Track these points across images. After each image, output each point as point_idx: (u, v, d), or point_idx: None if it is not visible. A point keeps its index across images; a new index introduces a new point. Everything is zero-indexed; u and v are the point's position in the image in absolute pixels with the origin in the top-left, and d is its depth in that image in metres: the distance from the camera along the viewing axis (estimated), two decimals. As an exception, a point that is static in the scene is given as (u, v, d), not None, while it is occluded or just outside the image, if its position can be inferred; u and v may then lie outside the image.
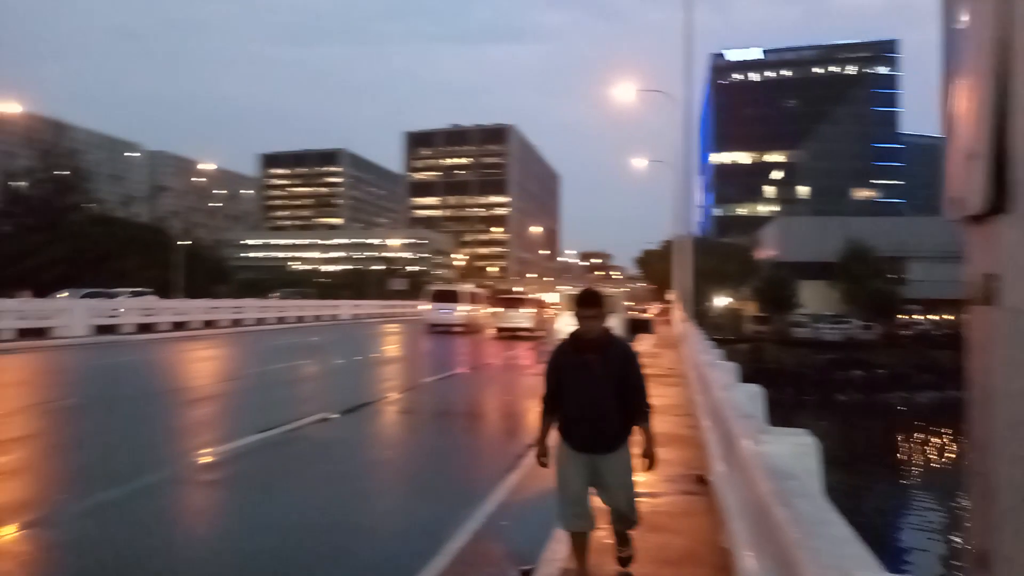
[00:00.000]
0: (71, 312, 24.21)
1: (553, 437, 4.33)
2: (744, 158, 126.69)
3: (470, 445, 10.00)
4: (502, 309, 31.77)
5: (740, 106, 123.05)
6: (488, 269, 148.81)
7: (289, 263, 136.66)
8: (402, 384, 15.47)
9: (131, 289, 34.07)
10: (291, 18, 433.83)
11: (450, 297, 33.64)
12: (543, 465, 4.37)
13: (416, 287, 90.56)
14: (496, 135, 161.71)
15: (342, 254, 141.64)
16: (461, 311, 32.92)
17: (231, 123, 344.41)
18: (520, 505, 6.53)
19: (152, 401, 12.29)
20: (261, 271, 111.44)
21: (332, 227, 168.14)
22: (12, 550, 5.20)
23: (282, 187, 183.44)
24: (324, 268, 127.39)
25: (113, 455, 8.25)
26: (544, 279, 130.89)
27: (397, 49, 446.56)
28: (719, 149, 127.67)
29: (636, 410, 4.21)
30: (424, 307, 34.47)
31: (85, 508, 6.12)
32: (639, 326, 23.90)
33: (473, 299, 35.16)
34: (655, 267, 69.36)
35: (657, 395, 12.01)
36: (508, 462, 8.20)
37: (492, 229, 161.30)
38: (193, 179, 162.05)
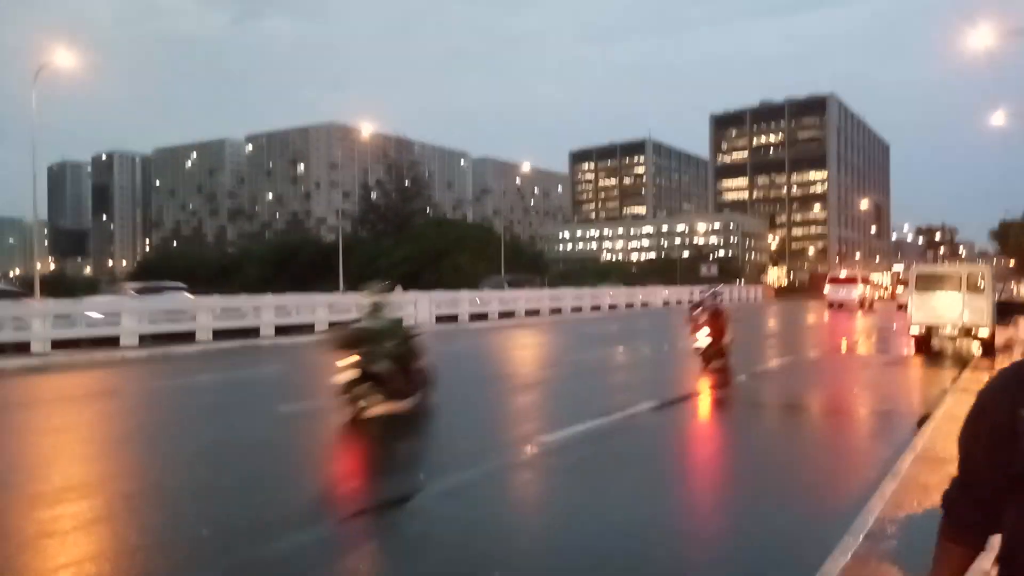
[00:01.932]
0: (417, 303, 27.00)
1: None
2: None
3: (828, 443, 8.81)
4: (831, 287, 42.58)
5: None
6: (808, 250, 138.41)
7: (599, 254, 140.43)
8: (740, 369, 14.49)
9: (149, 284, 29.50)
10: (597, 18, 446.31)
11: (847, 281, 43.26)
12: None
13: (727, 273, 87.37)
14: (812, 107, 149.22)
15: (648, 242, 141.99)
16: (857, 291, 41.85)
17: (545, 124, 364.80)
18: (907, 522, 5.37)
19: (490, 385, 12.91)
20: (573, 263, 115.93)
21: (638, 216, 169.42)
22: (372, 529, 5.47)
23: (590, 181, 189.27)
24: (632, 257, 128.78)
25: (462, 438, 8.63)
26: (874, 260, 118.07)
27: (703, 32, 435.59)
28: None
29: None
30: (825, 289, 44.34)
31: (444, 489, 6.33)
32: (1013, 308, 19.96)
33: (864, 281, 44.19)
34: (1017, 240, 58.44)
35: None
36: (879, 466, 6.98)
37: (810, 208, 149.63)
38: (513, 180, 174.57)
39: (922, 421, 9.03)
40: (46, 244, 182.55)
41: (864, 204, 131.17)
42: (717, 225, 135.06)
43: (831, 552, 4.73)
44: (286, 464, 7.39)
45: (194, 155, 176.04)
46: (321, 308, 24.36)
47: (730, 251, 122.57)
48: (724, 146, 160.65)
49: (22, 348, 16.76)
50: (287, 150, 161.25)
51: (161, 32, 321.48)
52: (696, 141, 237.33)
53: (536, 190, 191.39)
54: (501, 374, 14.70)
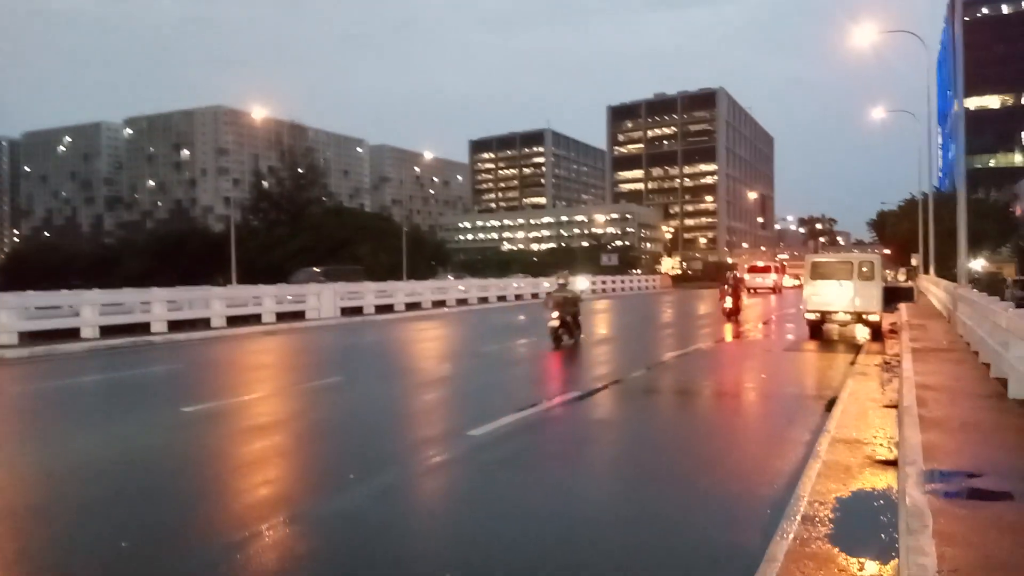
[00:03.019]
0: (321, 295, 26.18)
1: None
2: (994, 102, 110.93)
3: (745, 427, 9.07)
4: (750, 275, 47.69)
5: (990, 44, 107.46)
6: (699, 240, 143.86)
7: (500, 244, 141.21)
8: (651, 358, 14.75)
9: None
10: (497, 5, 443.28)
11: (763, 269, 50.70)
12: None
13: (626, 263, 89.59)
14: (703, 101, 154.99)
15: (549, 232, 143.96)
16: (771, 278, 48.46)
17: (444, 112, 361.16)
18: (839, 504, 5.54)
19: (404, 378, 12.63)
20: (473, 252, 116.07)
21: (538, 206, 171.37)
22: (300, 535, 5.17)
23: (490, 170, 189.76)
24: (533, 247, 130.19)
25: (387, 434, 8.36)
26: (759, 249, 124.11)
27: (601, 23, 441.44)
28: (964, 94, 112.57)
29: None
30: (745, 275, 48.49)
31: (372, 491, 6.07)
32: (899, 294, 21.43)
33: (776, 270, 50.84)
34: (894, 230, 62.65)
35: (932, 372, 10.31)
36: (799, 449, 7.22)
37: (701, 199, 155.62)
38: (412, 168, 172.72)
39: (830, 404, 9.45)
40: None
41: (751, 196, 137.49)
42: (614, 216, 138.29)
43: (771, 536, 4.81)
44: (192, 471, 6.92)
45: (67, 139, 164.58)
46: (217, 301, 23.17)
47: (627, 241, 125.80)
48: (620, 138, 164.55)
49: None
50: (170, 134, 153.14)
51: (31, 6, 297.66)
52: (595, 132, 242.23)
53: (436, 179, 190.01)
54: (420, 367, 14.42)
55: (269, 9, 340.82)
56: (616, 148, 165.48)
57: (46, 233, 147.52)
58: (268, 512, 5.49)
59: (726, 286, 23.01)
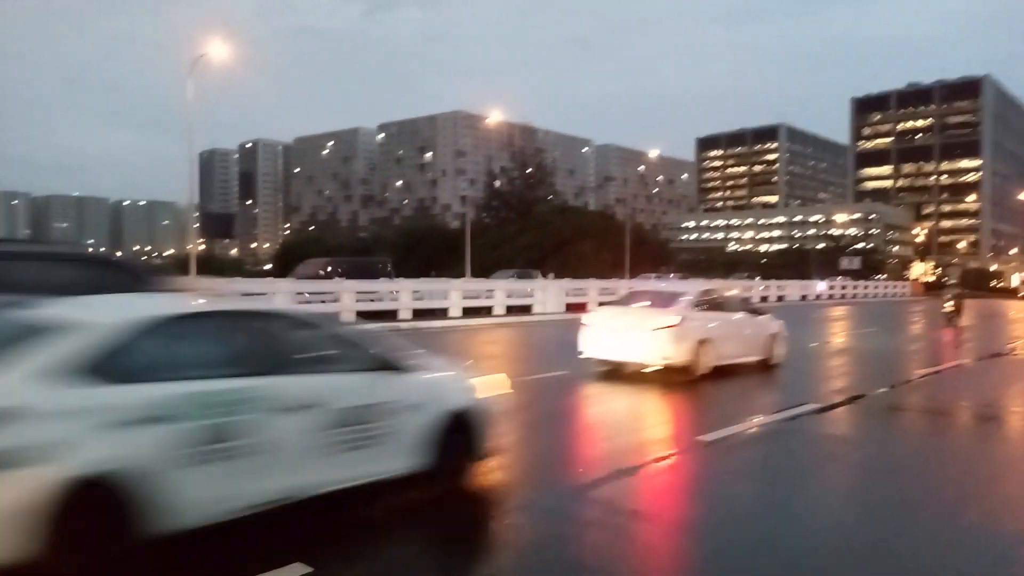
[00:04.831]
0: (547, 291, 27.07)
1: None
2: None
3: (1020, 457, 8.04)
4: None
5: None
6: (957, 245, 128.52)
7: (725, 244, 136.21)
8: (898, 374, 13.54)
9: None
10: (725, 2, 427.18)
11: None
12: None
13: (869, 267, 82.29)
14: (965, 90, 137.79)
15: (779, 233, 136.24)
16: None
17: (671, 110, 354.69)
18: None
19: (628, 378, 12.69)
20: (698, 252, 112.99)
21: (769, 206, 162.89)
22: (521, 527, 5.41)
23: (718, 168, 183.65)
24: (761, 248, 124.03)
25: (614, 432, 8.51)
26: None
27: (840, 12, 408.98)
28: None
29: None
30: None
31: (598, 491, 6.23)
32: None
33: None
34: None
35: None
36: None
37: (961, 199, 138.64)
38: (636, 167, 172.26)
39: None
40: (196, 227, 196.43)
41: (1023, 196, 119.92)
42: (857, 215, 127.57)
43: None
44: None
45: (330, 144, 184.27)
46: (455, 293, 24.85)
47: (871, 243, 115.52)
48: (866, 132, 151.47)
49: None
50: (416, 138, 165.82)
51: (297, 25, 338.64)
52: (833, 127, 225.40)
53: (660, 178, 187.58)
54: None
55: (503, 18, 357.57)
56: (860, 143, 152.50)
57: (311, 227, 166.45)
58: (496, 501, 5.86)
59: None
